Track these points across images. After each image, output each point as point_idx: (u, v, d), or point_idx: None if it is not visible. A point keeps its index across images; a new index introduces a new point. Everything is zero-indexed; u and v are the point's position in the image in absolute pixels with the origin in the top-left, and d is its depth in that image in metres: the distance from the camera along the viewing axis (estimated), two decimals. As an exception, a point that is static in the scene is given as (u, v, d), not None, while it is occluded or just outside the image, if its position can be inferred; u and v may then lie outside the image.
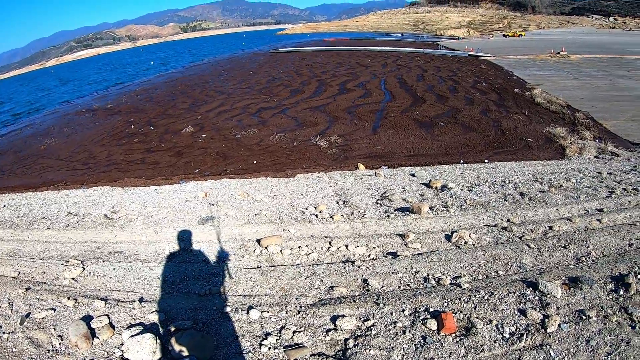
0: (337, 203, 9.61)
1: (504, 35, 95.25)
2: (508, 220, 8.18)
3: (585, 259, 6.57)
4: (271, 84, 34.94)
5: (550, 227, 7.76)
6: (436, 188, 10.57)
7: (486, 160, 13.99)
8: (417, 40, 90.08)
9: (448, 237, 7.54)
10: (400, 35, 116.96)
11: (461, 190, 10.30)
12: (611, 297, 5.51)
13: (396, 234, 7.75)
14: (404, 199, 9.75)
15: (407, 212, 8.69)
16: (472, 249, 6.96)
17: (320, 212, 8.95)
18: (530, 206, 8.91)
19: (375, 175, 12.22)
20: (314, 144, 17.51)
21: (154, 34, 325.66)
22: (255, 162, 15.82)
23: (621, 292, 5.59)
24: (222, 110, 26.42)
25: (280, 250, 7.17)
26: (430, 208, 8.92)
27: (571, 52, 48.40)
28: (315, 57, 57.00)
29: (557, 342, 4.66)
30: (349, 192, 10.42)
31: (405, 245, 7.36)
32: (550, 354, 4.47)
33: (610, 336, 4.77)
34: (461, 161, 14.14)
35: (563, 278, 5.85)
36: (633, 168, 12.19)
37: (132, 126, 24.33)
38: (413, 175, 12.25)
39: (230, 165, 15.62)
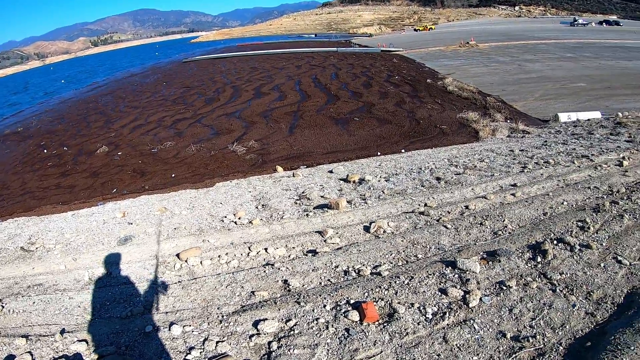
0: (256, 207, 9.45)
1: (415, 30, 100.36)
2: (425, 204, 8.35)
3: (502, 232, 6.83)
4: (186, 93, 34.22)
5: (467, 207, 8.03)
6: (354, 182, 10.66)
7: (403, 150, 14.36)
8: (330, 40, 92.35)
9: (367, 228, 7.55)
10: (313, 35, 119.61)
11: (378, 181, 10.45)
12: (529, 265, 5.74)
13: (315, 232, 7.68)
14: (322, 196, 9.74)
15: (326, 209, 8.67)
16: (391, 237, 7.01)
17: (239, 218, 8.74)
18: (446, 189, 9.19)
19: (294, 176, 12.18)
20: (232, 151, 17.28)
21: (63, 49, 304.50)
22: (173, 175, 15.32)
23: (539, 259, 5.84)
24: (137, 125, 25.40)
25: (201, 262, 6.92)
26: (348, 202, 8.95)
27: (480, 41, 51.56)
28: (229, 63, 56.62)
29: (480, 315, 4.76)
30: (268, 196, 10.29)
31: (325, 241, 7.30)
32: (474, 327, 4.56)
33: (532, 302, 4.95)
34: (378, 153, 14.41)
35: (481, 253, 6.03)
36: (543, 143, 13.00)
37: (45, 150, 22.63)
38: (331, 172, 12.31)
39: (149, 182, 15.03)
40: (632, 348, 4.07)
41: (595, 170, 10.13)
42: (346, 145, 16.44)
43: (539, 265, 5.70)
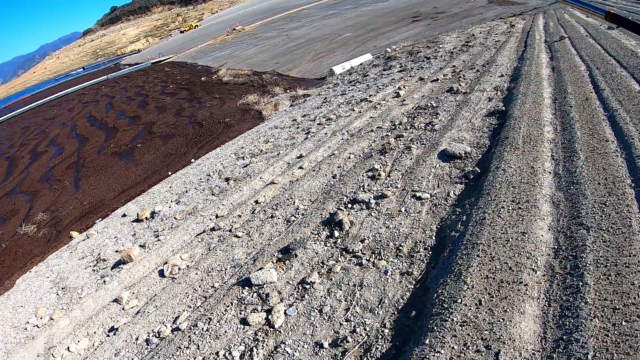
0: (57, 294, 7.98)
1: (182, 32, 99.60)
2: (216, 216, 7.52)
3: (295, 216, 6.23)
4: (-46, 184, 28.93)
5: (257, 201, 7.34)
6: (146, 219, 9.51)
7: (192, 160, 13.33)
8: (100, 69, 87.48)
9: (162, 273, 6.54)
10: (82, 70, 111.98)
11: (170, 207, 9.39)
12: (329, 245, 5.17)
13: (112, 301, 6.55)
14: (117, 251, 8.52)
15: (121, 266, 7.52)
16: (186, 273, 6.10)
17: (41, 318, 7.31)
18: (236, 188, 8.43)
19: (88, 237, 10.57)
20: (23, 235, 14.66)
21: None
22: (-35, 293, 12.45)
23: (337, 234, 5.30)
24: None
25: (6, 405, 5.46)
26: (141, 246, 7.90)
27: (246, 24, 52.41)
28: (-3, 131, 49.79)
29: (290, 333, 4.11)
30: (66, 274, 8.78)
31: (123, 309, 6.24)
32: (287, 352, 3.90)
33: (341, 290, 4.37)
34: (169, 173, 13.17)
35: (276, 254, 5.34)
36: (324, 101, 12.94)
37: None
38: (124, 215, 10.93)
39: (-63, 314, 11.96)
40: (459, 300, 3.65)
41: (375, 110, 10.17)
42: (136, 177, 14.89)
43: (339, 241, 5.18)
